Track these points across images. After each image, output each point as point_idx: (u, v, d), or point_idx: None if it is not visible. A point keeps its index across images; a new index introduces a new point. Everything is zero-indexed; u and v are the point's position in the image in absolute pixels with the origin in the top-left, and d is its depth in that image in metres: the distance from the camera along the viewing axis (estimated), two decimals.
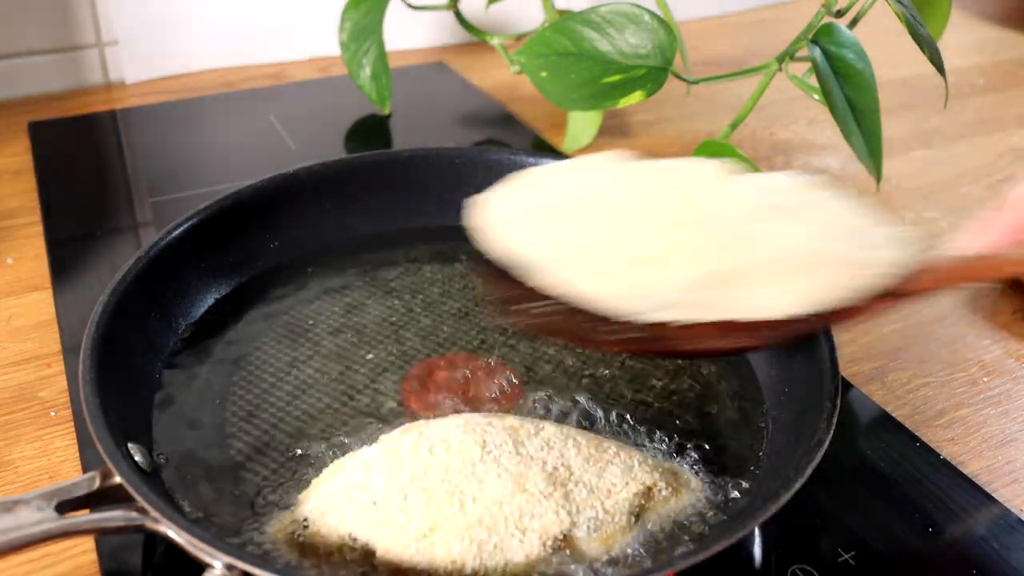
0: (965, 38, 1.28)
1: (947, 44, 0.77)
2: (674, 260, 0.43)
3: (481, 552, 0.43)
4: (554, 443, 0.48)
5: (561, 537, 0.45)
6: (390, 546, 0.44)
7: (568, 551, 0.45)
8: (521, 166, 0.72)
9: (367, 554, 0.45)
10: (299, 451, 0.52)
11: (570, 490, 0.46)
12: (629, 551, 0.46)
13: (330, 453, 0.52)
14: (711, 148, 0.75)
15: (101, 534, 0.45)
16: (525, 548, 0.44)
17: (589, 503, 0.46)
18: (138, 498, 0.43)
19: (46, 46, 1.02)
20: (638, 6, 0.77)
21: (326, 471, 0.49)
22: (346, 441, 0.53)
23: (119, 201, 0.85)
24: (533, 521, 0.44)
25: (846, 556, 0.52)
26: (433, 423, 0.48)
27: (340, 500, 0.46)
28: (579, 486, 0.46)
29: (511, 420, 0.49)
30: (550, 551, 0.44)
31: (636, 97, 0.78)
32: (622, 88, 0.78)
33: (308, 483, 0.49)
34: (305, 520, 0.46)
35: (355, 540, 0.45)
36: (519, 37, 1.03)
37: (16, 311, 0.69)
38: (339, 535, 0.45)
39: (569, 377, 0.58)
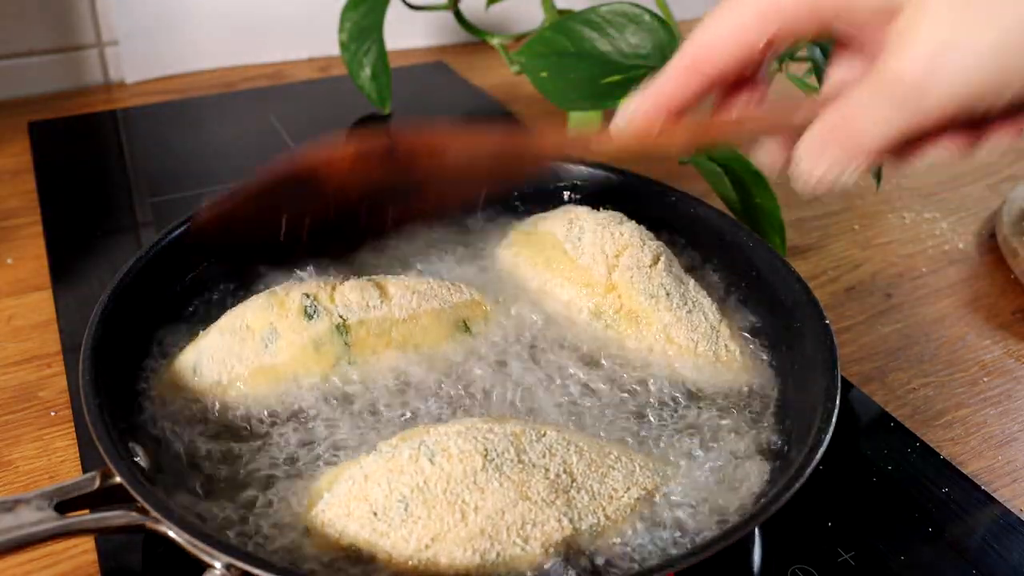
0: None
1: None
2: None
3: (484, 562, 0.43)
4: (556, 449, 0.47)
5: (563, 543, 0.45)
6: (392, 557, 0.44)
7: (570, 555, 0.45)
8: None
9: (368, 565, 0.44)
10: (301, 453, 0.52)
11: (572, 496, 0.46)
12: (630, 552, 0.46)
13: (331, 457, 0.52)
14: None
15: (101, 534, 0.45)
16: (528, 556, 0.44)
17: (591, 509, 0.46)
18: (139, 498, 0.43)
19: (46, 46, 1.02)
20: (638, 6, 0.77)
21: (324, 479, 0.48)
22: (346, 444, 0.53)
23: (119, 201, 0.85)
24: (535, 529, 0.44)
25: (846, 556, 0.52)
26: (433, 430, 0.48)
27: (340, 511, 0.46)
28: (581, 492, 0.46)
29: (512, 426, 0.48)
30: (553, 558, 0.44)
31: None
32: (622, 88, 0.78)
33: (309, 487, 0.49)
34: (305, 531, 0.46)
35: (356, 551, 0.45)
36: (519, 37, 1.03)
37: (16, 311, 0.69)
38: (340, 546, 0.45)
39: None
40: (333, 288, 0.58)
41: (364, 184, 0.57)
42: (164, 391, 0.55)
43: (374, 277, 0.60)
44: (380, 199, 0.59)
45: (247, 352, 0.55)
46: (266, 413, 0.54)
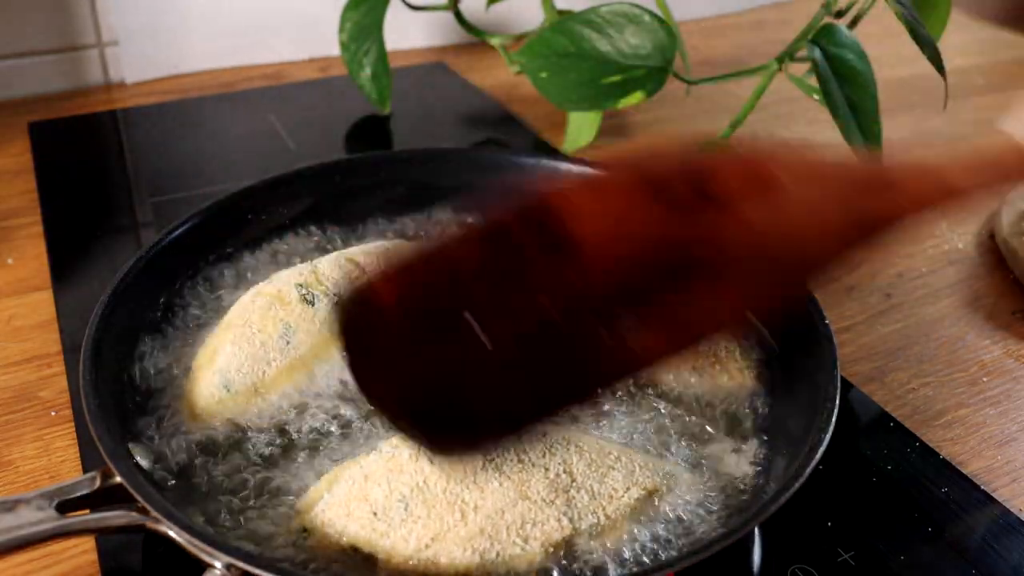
0: (965, 38, 1.28)
1: (947, 44, 0.77)
2: None
3: (484, 561, 0.43)
4: (556, 449, 0.48)
5: (563, 543, 0.45)
6: (392, 557, 0.44)
7: (570, 555, 0.45)
8: (521, 166, 0.72)
9: (368, 565, 0.45)
10: (301, 453, 0.52)
11: (572, 496, 0.46)
12: (630, 552, 0.46)
13: (332, 456, 0.52)
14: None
15: (102, 534, 0.45)
16: (527, 556, 0.44)
17: (591, 509, 0.46)
18: (139, 498, 0.43)
19: (46, 46, 1.02)
20: (638, 6, 0.77)
21: (324, 479, 0.48)
22: (348, 443, 0.53)
23: (119, 201, 0.85)
24: (535, 528, 0.44)
25: (846, 556, 0.52)
26: None
27: (340, 511, 0.46)
28: (581, 492, 0.46)
29: None
30: (552, 558, 0.44)
31: (636, 97, 0.78)
32: (622, 88, 0.78)
33: (308, 488, 0.49)
34: (305, 531, 0.46)
35: (356, 551, 0.45)
36: (519, 37, 1.03)
37: (16, 311, 0.69)
38: (340, 546, 0.45)
39: None
40: (313, 272, 0.59)
41: (639, 239, 0.38)
42: (197, 420, 0.53)
43: (343, 253, 0.62)
44: (655, 268, 0.38)
45: (272, 353, 0.55)
46: (285, 407, 0.54)
